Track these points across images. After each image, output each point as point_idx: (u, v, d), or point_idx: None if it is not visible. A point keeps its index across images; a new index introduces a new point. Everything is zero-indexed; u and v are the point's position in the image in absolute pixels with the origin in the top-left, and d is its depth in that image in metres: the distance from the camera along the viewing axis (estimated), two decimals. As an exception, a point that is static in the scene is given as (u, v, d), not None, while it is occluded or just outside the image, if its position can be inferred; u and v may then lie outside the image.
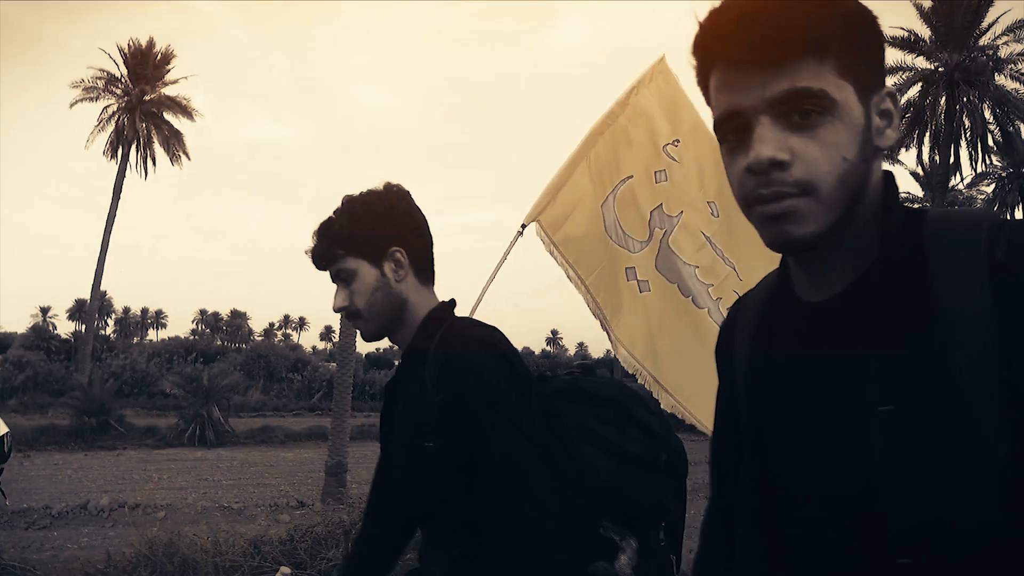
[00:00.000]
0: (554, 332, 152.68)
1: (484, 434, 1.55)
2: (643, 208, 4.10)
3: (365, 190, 1.79)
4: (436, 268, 1.83)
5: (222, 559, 5.59)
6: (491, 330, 1.70)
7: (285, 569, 5.26)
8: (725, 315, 4.52)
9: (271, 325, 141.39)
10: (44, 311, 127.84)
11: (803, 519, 0.92)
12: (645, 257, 4.06)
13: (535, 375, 1.77)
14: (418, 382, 1.67)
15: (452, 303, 1.81)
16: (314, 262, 1.77)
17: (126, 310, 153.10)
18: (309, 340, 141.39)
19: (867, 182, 0.89)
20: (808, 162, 0.84)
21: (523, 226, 4.05)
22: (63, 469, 14.74)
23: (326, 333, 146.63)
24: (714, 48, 0.88)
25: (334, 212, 1.77)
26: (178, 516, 9.06)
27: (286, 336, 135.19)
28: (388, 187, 1.79)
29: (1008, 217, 0.84)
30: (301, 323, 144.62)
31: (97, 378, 23.64)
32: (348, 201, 1.77)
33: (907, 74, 28.08)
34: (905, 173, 35.43)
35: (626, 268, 4.04)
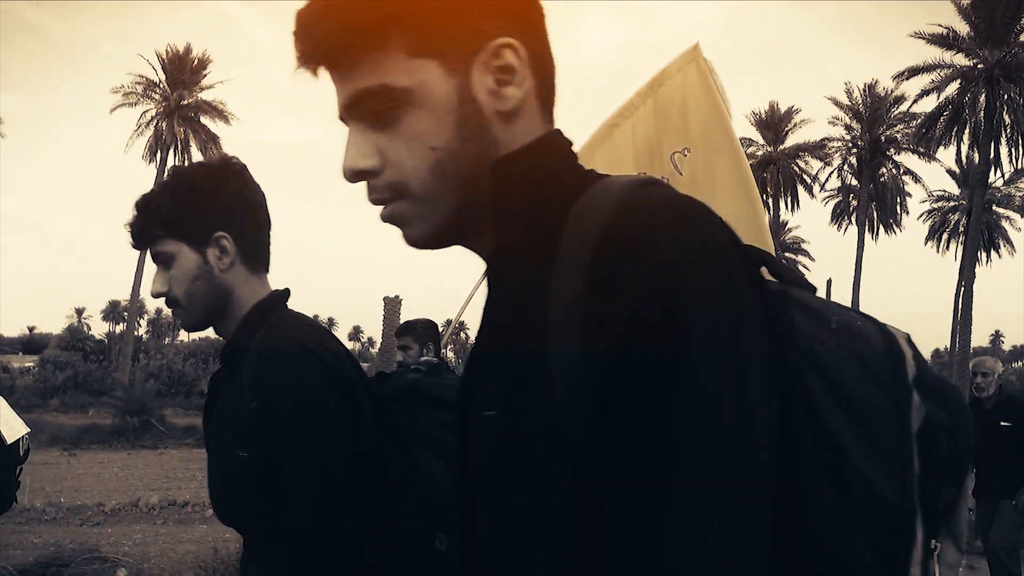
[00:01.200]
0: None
1: (286, 447, 1.39)
2: None
3: (195, 163, 1.62)
4: (271, 255, 1.63)
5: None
6: (312, 329, 1.53)
7: None
8: None
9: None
10: (79, 312, 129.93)
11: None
12: None
13: (377, 374, 1.65)
14: (236, 383, 1.50)
15: (283, 294, 1.62)
16: (131, 240, 1.59)
17: (158, 311, 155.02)
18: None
19: (488, 160, 0.77)
20: (395, 162, 0.76)
21: None
22: (109, 467, 14.97)
23: (355, 333, 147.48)
24: (296, 57, 0.79)
25: (156, 186, 1.58)
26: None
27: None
28: (223, 162, 1.59)
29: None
30: (330, 323, 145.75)
31: (138, 378, 24.02)
32: (173, 175, 1.59)
33: (945, 71, 27.67)
34: (941, 171, 34.93)
35: None
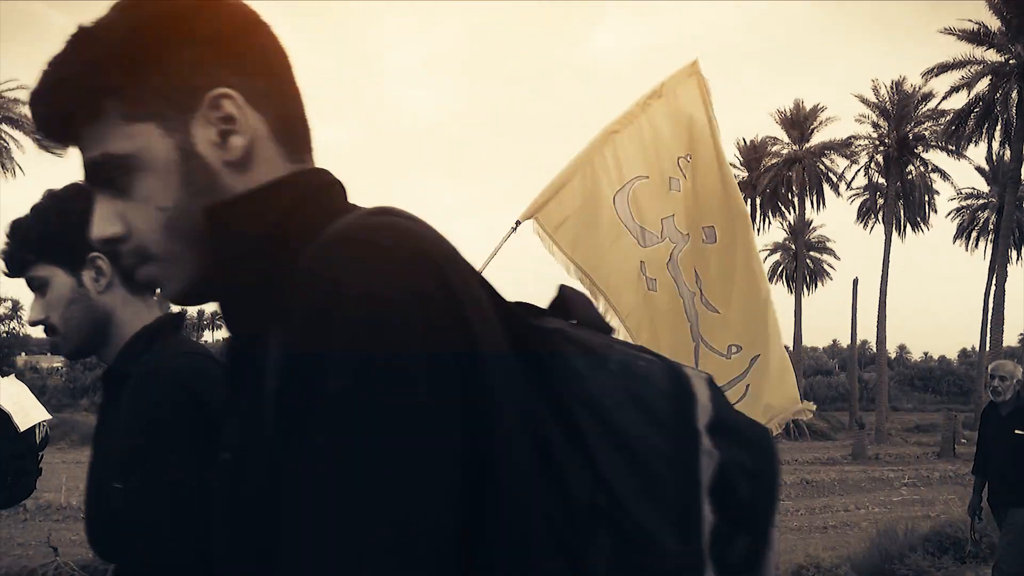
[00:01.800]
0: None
1: (142, 472, 1.30)
2: (657, 211, 3.99)
3: (69, 184, 1.51)
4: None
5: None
6: (193, 357, 1.41)
7: None
8: (708, 349, 4.30)
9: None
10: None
11: None
12: (656, 253, 3.93)
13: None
14: (116, 412, 1.40)
15: (170, 319, 1.52)
16: (3, 268, 1.51)
17: (183, 311, 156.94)
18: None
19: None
20: (135, 228, 0.76)
21: (518, 222, 3.88)
22: (140, 466, 15.08)
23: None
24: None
25: (30, 210, 1.50)
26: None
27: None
28: None
29: None
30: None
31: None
32: (44, 197, 1.51)
33: (976, 67, 27.31)
34: (970, 168, 34.46)
35: (640, 261, 3.92)
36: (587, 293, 3.98)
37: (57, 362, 38.35)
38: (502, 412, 0.65)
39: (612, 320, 3.94)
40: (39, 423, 3.87)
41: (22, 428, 3.82)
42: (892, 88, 32.87)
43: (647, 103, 4.08)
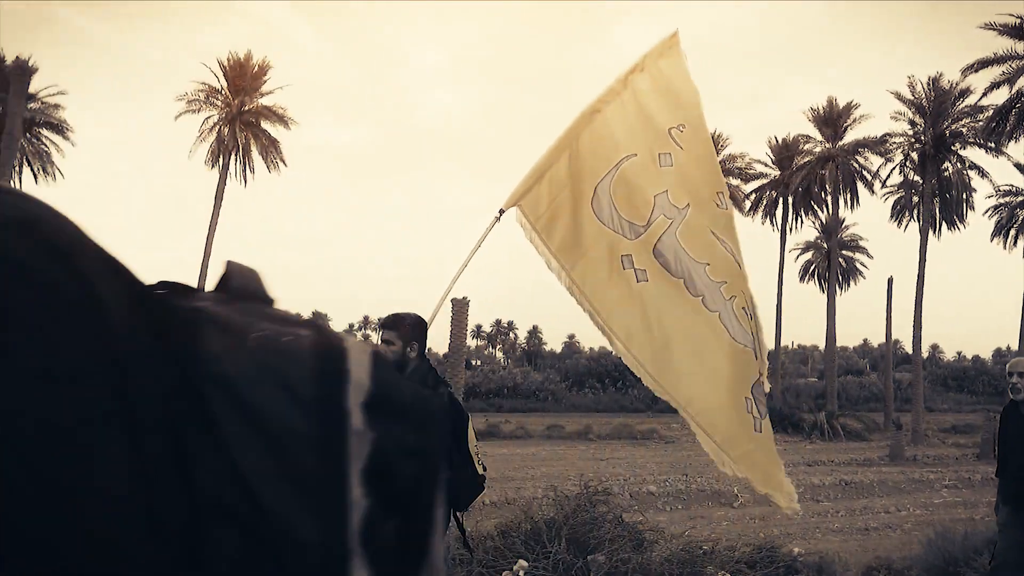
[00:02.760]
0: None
1: None
2: (647, 191, 3.84)
3: None
4: None
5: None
6: None
7: (523, 563, 5.37)
8: (739, 315, 4.16)
9: (351, 326, 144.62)
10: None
11: None
12: (642, 244, 3.81)
13: None
14: None
15: None
16: None
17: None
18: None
19: None
20: None
21: (501, 211, 3.78)
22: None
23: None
24: None
25: None
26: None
27: (366, 336, 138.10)
28: None
29: None
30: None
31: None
32: None
33: (1018, 63, 26.79)
34: (1008, 165, 33.80)
35: (622, 256, 3.80)
36: (566, 290, 3.93)
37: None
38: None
39: (591, 317, 3.82)
40: None
41: None
42: (929, 85, 32.35)
43: (629, 78, 3.95)
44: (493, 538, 6.11)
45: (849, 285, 45.40)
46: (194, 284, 0.78)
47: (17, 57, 10.53)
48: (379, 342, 3.95)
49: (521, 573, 5.24)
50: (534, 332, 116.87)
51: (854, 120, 36.40)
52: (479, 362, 76.65)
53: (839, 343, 43.63)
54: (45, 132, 31.39)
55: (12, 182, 11.30)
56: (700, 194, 3.90)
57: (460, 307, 7.26)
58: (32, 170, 31.19)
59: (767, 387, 3.95)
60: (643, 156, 3.86)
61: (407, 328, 3.84)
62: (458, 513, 3.87)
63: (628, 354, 3.76)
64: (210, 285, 0.84)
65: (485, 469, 3.92)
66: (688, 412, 3.74)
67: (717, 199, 3.91)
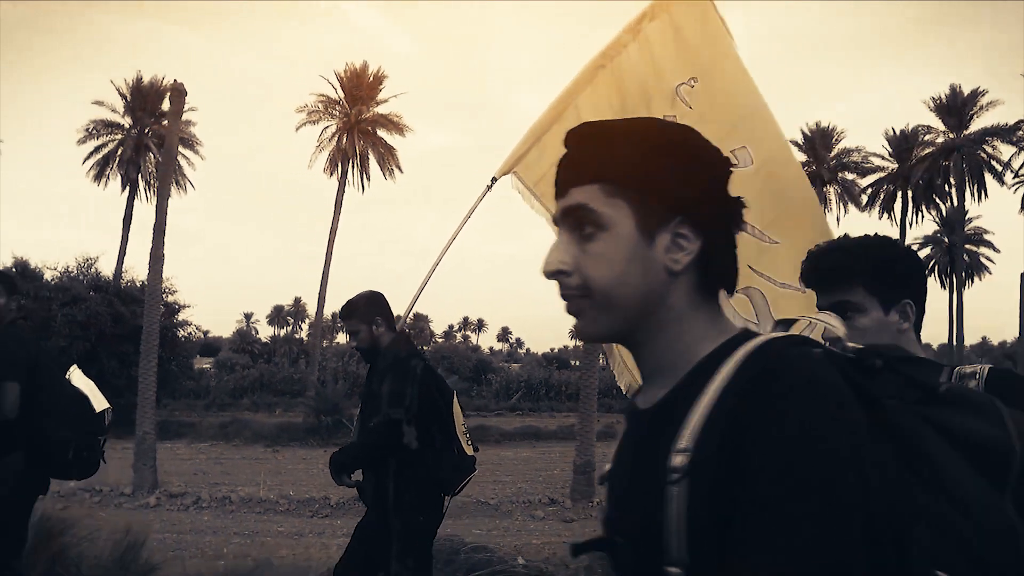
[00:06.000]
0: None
1: None
2: None
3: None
4: None
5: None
6: None
7: None
8: (749, 293, 3.53)
9: (451, 327, 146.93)
10: (247, 316, 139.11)
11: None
12: None
13: None
14: None
15: None
16: None
17: (318, 314, 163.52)
18: (486, 341, 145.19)
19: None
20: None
21: (494, 179, 3.55)
22: (313, 464, 15.80)
23: (503, 334, 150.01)
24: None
25: None
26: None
27: (465, 337, 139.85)
28: None
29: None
30: (479, 325, 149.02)
31: (329, 380, 25.37)
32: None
33: None
34: None
35: None
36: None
37: (206, 363, 40.62)
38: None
39: None
40: (106, 409, 4.27)
41: (97, 410, 4.20)
42: (1064, 67, 30.34)
43: (637, 28, 3.62)
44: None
45: (972, 281, 43.13)
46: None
47: (175, 80, 11.32)
48: (348, 337, 3.88)
49: None
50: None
51: (980, 108, 34.55)
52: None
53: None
54: (180, 147, 33.27)
55: (168, 194, 12.11)
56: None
57: None
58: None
59: None
60: (651, 115, 3.52)
61: (364, 308, 3.79)
62: (446, 497, 3.72)
63: None
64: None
65: (476, 450, 3.80)
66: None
67: (733, 157, 3.45)
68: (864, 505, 0.79)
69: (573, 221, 0.97)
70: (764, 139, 3.48)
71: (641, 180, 0.95)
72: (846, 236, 1.94)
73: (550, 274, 0.97)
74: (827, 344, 0.96)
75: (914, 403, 0.96)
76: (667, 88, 3.57)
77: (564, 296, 0.98)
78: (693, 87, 3.57)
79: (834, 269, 1.73)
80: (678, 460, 0.85)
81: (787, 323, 1.02)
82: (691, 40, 3.60)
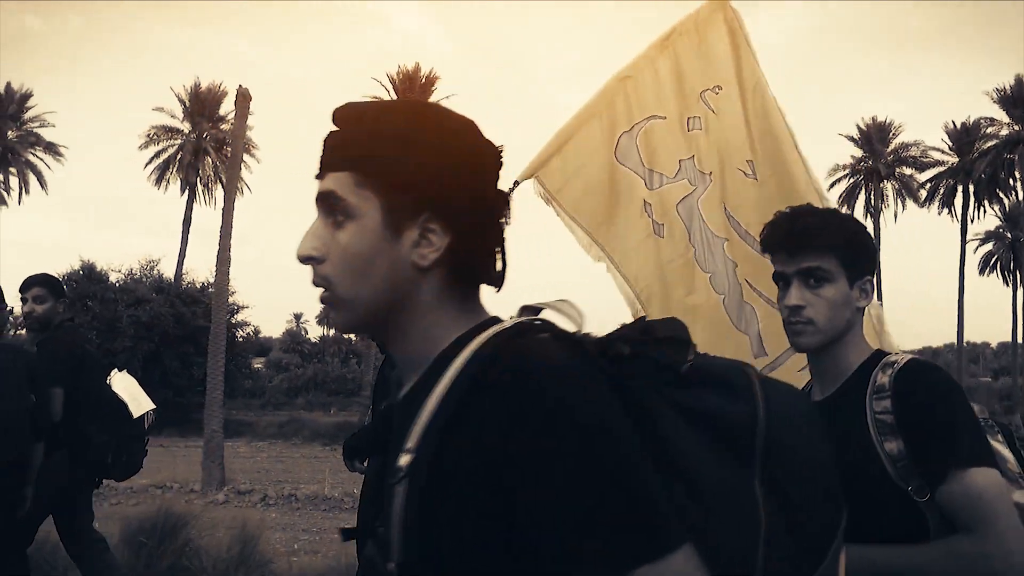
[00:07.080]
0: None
1: None
2: (673, 153, 3.51)
3: None
4: None
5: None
6: None
7: None
8: (743, 307, 3.43)
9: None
10: (297, 317, 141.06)
11: None
12: (667, 194, 3.45)
13: None
14: None
15: None
16: None
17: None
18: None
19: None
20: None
21: (516, 182, 3.50)
22: (373, 462, 16.02)
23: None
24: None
25: None
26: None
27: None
28: None
29: None
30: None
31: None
32: None
33: None
34: None
35: (644, 201, 3.46)
36: (591, 257, 3.70)
37: (258, 363, 41.33)
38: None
39: (621, 287, 3.53)
40: (148, 411, 4.44)
41: (135, 415, 4.40)
42: None
43: (667, 43, 3.64)
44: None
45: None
46: None
47: (239, 85, 11.56)
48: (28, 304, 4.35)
49: None
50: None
51: (1048, 98, 33.43)
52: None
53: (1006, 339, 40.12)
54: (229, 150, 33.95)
55: (235, 197, 12.38)
56: (732, 160, 3.51)
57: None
58: (221, 185, 33.90)
59: None
60: (672, 119, 3.61)
61: (50, 283, 4.39)
62: None
63: (634, 297, 3.51)
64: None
65: None
66: None
67: (746, 167, 3.49)
68: (647, 465, 0.82)
69: (326, 207, 0.95)
70: (777, 155, 3.43)
71: (389, 174, 0.93)
72: (811, 205, 1.92)
73: (302, 259, 0.96)
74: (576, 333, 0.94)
75: (663, 385, 0.93)
76: (693, 92, 3.60)
77: (314, 284, 0.97)
78: (718, 94, 3.59)
79: (810, 233, 1.67)
80: (403, 460, 0.85)
81: (533, 309, 0.99)
82: (714, 48, 3.64)
